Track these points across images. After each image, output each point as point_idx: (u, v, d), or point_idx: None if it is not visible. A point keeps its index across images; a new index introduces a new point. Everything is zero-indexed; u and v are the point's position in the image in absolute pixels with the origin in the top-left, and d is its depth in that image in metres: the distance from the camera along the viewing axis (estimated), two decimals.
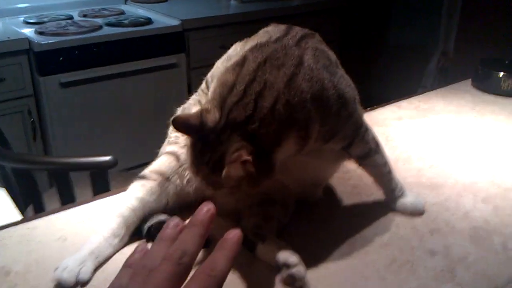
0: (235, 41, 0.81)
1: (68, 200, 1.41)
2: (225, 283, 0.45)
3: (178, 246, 0.46)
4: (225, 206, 0.76)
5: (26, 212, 1.51)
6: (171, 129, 0.87)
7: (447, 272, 0.73)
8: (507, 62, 1.53)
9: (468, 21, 2.49)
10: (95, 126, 2.34)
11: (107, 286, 0.47)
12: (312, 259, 0.73)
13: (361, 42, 3.16)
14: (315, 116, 0.68)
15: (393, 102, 1.40)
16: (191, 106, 0.86)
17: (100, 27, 2.35)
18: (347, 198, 0.93)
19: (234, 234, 0.47)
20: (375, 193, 0.91)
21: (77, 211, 0.89)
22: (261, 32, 0.77)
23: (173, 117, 0.66)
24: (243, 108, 0.64)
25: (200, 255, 0.48)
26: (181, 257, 0.44)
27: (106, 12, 2.66)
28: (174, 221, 0.50)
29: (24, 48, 2.13)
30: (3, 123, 1.88)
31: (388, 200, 0.89)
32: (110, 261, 0.74)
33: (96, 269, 0.72)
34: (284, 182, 0.82)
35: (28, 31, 2.26)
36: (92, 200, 0.92)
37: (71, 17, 2.54)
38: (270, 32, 0.75)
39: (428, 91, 1.54)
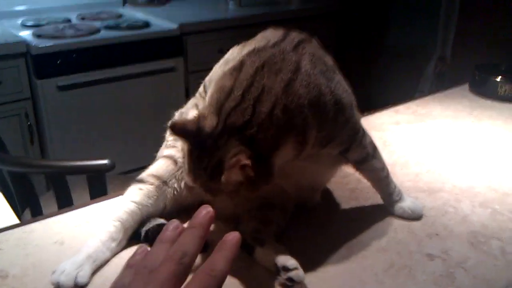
0: (233, 45, 0.81)
1: (65, 203, 1.41)
2: (224, 287, 0.45)
3: (179, 247, 0.46)
4: (224, 210, 0.76)
5: (23, 216, 1.50)
6: (168, 132, 0.87)
7: (446, 277, 0.73)
8: (503, 68, 1.54)
9: (466, 26, 2.50)
10: (93, 129, 2.34)
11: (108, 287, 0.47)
12: (310, 263, 0.73)
13: (359, 47, 3.17)
14: (312, 122, 0.68)
15: (391, 107, 1.41)
16: (189, 110, 0.86)
17: (98, 30, 2.35)
18: (345, 202, 0.93)
19: (233, 236, 0.47)
20: (373, 197, 0.91)
21: (74, 214, 0.88)
22: (258, 36, 0.77)
23: (170, 123, 0.66)
24: (241, 113, 0.64)
25: (198, 259, 0.48)
26: (182, 258, 0.45)
27: (104, 16, 2.65)
28: (174, 223, 0.51)
29: (22, 51, 2.12)
30: (0, 126, 1.88)
31: (386, 204, 0.89)
32: (107, 265, 0.74)
33: (93, 273, 0.72)
34: (282, 187, 0.82)
35: (26, 34, 2.26)
36: (90, 204, 0.92)
37: (69, 20, 2.53)
38: (267, 36, 0.75)
39: (425, 96, 1.54)
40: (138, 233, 0.79)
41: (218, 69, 0.80)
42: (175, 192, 0.82)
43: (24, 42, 2.14)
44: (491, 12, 2.36)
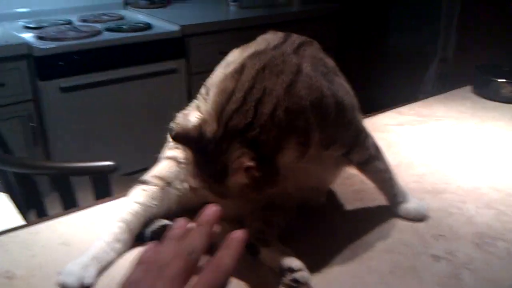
0: (235, 47, 0.81)
1: (70, 204, 1.41)
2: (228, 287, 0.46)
3: (187, 243, 0.50)
4: (227, 211, 0.75)
5: (28, 217, 1.50)
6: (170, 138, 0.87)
7: (452, 278, 0.73)
8: (506, 68, 1.54)
9: (467, 28, 2.50)
10: (95, 131, 2.34)
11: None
12: (315, 265, 0.73)
13: (360, 48, 3.17)
14: (315, 124, 0.68)
15: (394, 108, 1.41)
16: (191, 112, 0.86)
17: (100, 32, 2.35)
18: (350, 203, 0.93)
19: (239, 234, 0.50)
20: (378, 198, 0.91)
21: (79, 215, 0.89)
22: (259, 39, 0.77)
23: (172, 133, 0.66)
24: (243, 115, 0.64)
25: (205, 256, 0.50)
26: (190, 254, 0.48)
27: (105, 17, 2.66)
28: (181, 221, 0.54)
29: (24, 53, 2.13)
30: (3, 128, 1.87)
31: (391, 205, 0.89)
32: (113, 266, 0.74)
33: (99, 273, 0.72)
34: (286, 188, 0.82)
35: (28, 36, 2.26)
36: (94, 205, 0.92)
37: (70, 22, 2.54)
38: (268, 39, 0.75)
39: (428, 97, 1.54)
40: (143, 234, 0.79)
41: (219, 72, 0.80)
42: (179, 194, 0.82)
43: (26, 44, 2.14)
44: (492, 13, 2.36)
